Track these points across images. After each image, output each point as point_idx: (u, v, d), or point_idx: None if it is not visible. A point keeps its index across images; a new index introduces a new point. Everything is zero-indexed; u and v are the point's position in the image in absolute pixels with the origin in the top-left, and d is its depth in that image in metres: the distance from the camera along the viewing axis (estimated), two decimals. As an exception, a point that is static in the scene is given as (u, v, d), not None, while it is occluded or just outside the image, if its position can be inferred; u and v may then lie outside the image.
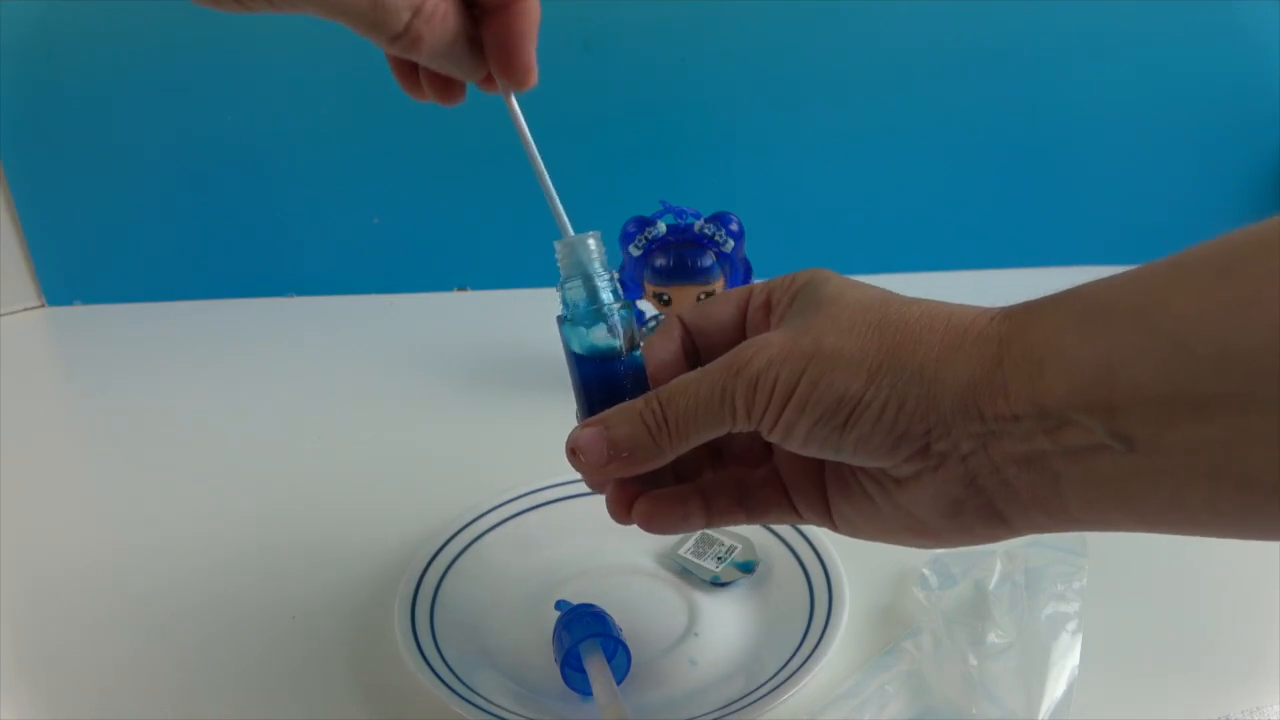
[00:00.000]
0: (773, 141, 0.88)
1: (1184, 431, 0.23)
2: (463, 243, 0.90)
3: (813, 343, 0.29)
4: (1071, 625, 0.40)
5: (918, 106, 0.87)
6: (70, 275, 0.92)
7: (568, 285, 0.34)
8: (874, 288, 0.31)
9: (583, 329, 0.33)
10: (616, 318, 0.33)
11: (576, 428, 0.32)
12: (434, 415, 0.68)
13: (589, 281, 0.33)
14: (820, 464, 0.33)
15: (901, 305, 0.29)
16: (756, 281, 0.38)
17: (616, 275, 0.35)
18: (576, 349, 0.34)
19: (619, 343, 0.33)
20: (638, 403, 0.31)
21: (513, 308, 0.87)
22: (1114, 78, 0.86)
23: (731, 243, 0.61)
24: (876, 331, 0.28)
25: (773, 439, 0.30)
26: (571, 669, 0.39)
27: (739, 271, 0.63)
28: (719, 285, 0.62)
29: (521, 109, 0.33)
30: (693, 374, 0.31)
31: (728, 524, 0.35)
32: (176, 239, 0.91)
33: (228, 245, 0.91)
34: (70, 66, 0.83)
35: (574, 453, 0.32)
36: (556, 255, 0.34)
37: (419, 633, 0.42)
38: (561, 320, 0.34)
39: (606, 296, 0.33)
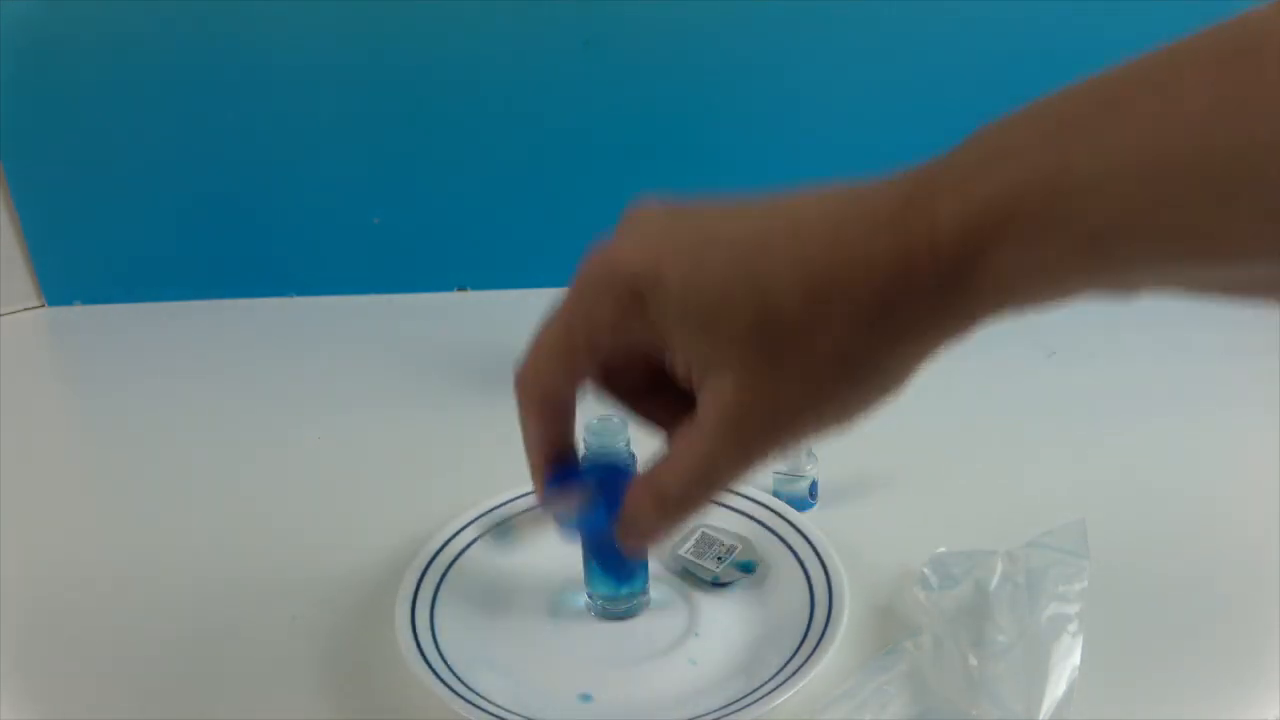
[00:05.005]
0: (773, 142, 0.88)
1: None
2: (463, 243, 0.90)
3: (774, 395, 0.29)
4: (1072, 627, 0.40)
5: (919, 107, 0.87)
6: (70, 275, 0.92)
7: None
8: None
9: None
10: None
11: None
12: (434, 415, 0.68)
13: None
14: None
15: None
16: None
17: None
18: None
19: None
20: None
21: (513, 308, 0.86)
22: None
23: (732, 243, 0.61)
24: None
25: None
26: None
27: (739, 272, 0.63)
28: (719, 285, 0.62)
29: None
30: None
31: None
32: (176, 239, 0.91)
33: (228, 245, 0.91)
34: (70, 66, 0.83)
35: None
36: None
37: (419, 633, 0.42)
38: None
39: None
